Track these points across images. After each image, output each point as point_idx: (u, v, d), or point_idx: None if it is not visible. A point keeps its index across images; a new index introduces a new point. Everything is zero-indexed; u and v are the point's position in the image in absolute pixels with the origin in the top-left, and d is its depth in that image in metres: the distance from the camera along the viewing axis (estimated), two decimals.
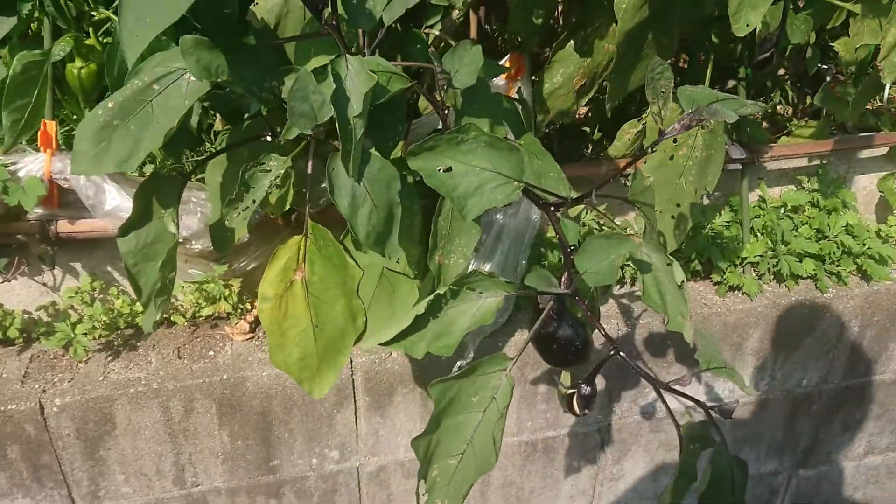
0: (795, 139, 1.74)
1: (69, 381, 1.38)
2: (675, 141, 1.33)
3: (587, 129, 1.72)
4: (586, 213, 1.50)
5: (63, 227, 1.29)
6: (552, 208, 0.95)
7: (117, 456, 1.42)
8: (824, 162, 1.70)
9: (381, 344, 0.88)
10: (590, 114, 1.65)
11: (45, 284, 1.43)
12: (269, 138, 0.95)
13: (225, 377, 1.39)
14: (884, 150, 1.74)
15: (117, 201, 1.26)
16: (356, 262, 1.01)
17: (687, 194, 1.37)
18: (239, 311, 1.49)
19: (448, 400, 0.88)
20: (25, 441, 1.35)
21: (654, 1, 1.13)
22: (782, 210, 1.68)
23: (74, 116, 1.37)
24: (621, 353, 0.82)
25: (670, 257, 0.94)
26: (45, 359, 1.44)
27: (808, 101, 1.89)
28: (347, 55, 0.84)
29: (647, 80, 0.80)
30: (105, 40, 1.19)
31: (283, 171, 0.93)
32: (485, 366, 0.88)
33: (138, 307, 1.46)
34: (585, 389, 0.85)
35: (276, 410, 1.45)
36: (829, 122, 1.77)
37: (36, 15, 1.21)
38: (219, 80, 0.85)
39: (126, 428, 1.39)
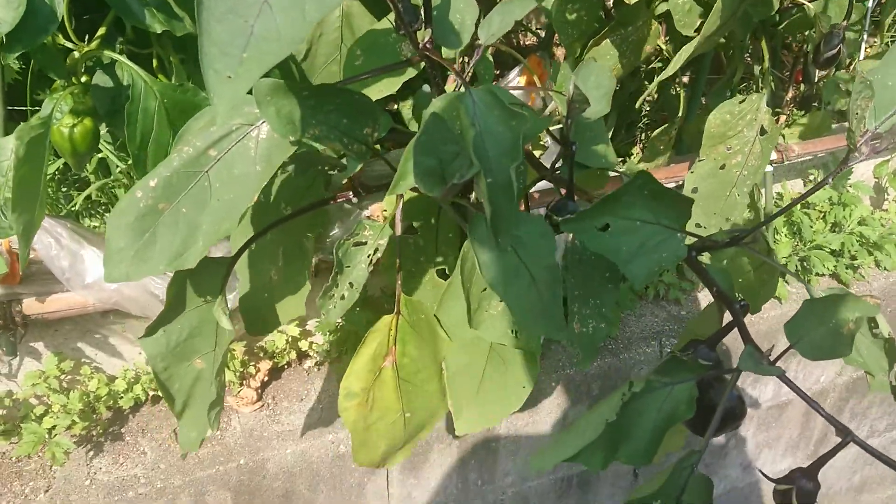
0: (798, 129, 1.69)
1: (45, 492, 1.11)
2: (728, 148, 1.22)
3: None
4: None
5: (31, 307, 1.02)
6: (693, 253, 0.80)
7: None
8: (833, 153, 1.65)
9: (545, 462, 0.68)
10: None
11: None
12: (354, 200, 0.74)
13: (242, 462, 1.16)
14: None
15: (101, 271, 1.01)
16: (444, 332, 0.83)
17: (739, 207, 1.26)
18: (240, 376, 1.26)
19: None
20: None
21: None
22: (799, 207, 1.61)
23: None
24: (857, 439, 0.68)
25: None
26: (4, 463, 1.16)
27: (795, 90, 1.84)
28: (472, 88, 0.65)
29: (852, 99, 0.66)
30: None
31: (384, 243, 0.72)
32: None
33: (118, 385, 1.20)
34: (807, 484, 0.70)
35: (301, 489, 1.24)
36: (827, 110, 1.73)
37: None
38: (306, 135, 0.63)
39: None
